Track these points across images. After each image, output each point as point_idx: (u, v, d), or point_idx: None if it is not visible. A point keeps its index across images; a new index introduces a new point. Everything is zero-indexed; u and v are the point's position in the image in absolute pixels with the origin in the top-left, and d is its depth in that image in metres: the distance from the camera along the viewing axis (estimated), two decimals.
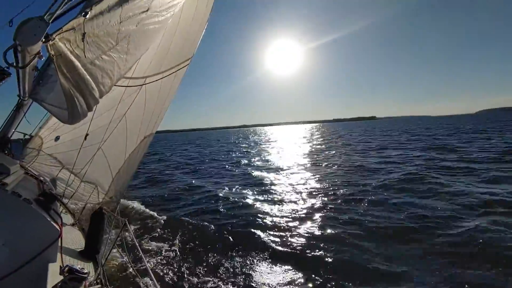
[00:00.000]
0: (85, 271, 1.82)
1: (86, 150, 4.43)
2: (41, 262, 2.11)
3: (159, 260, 5.39)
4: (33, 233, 2.16)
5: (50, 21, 1.31)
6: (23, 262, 2.07)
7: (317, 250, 5.95)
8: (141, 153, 4.75)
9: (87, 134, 4.12)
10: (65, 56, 1.73)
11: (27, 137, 4.96)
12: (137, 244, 3.37)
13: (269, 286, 4.70)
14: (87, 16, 1.78)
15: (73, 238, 3.22)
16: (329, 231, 6.89)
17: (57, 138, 5.16)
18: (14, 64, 1.34)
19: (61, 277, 1.82)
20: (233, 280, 4.84)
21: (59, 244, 2.26)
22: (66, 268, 1.82)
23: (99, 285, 2.25)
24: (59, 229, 2.30)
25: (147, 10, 2.62)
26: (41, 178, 3.73)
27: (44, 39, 1.30)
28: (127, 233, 4.76)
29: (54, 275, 1.97)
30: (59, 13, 1.39)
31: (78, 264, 2.11)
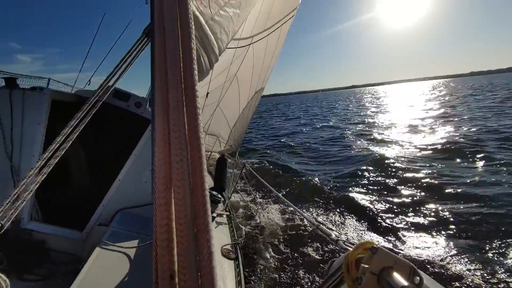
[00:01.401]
0: (219, 196, 2.25)
1: (208, 108, 5.14)
2: None
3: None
4: None
5: None
6: None
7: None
8: (253, 107, 5.19)
9: (207, 93, 4.74)
10: (193, 13, 1.97)
11: None
12: (261, 179, 3.86)
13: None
14: None
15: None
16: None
17: None
18: None
19: None
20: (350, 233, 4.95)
21: None
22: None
23: (227, 212, 2.74)
24: None
25: None
26: None
27: None
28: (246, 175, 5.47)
29: None
30: None
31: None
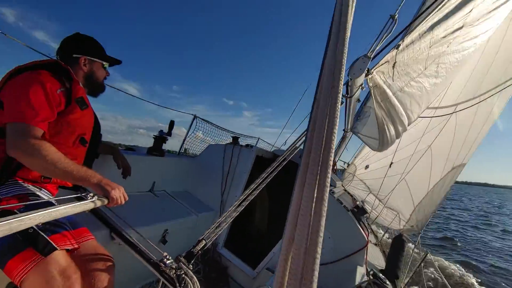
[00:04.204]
0: (388, 283, 1.93)
1: (390, 179, 4.75)
2: (352, 261, 2.52)
3: None
4: (348, 236, 2.65)
5: (371, 58, 1.64)
6: (341, 256, 2.60)
7: None
8: (447, 185, 4.27)
9: (391, 163, 4.43)
10: (379, 87, 2.05)
11: (346, 164, 6.28)
12: (443, 278, 3.01)
13: None
14: (399, 48, 2.00)
15: (375, 256, 3.51)
16: None
17: (367, 167, 6.04)
18: (346, 94, 1.82)
19: (366, 278, 2.07)
20: None
21: (366, 252, 2.58)
22: (372, 272, 2.04)
23: None
24: (366, 239, 2.63)
25: (461, 28, 2.46)
26: (355, 197, 4.51)
27: (366, 73, 1.66)
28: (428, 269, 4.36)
29: (360, 275, 2.28)
30: (378, 50, 1.71)
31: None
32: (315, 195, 0.36)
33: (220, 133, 5.01)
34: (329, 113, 0.41)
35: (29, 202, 1.16)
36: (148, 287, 2.48)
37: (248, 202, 1.73)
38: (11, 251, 1.03)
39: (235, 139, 3.80)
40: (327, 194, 0.36)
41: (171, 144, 3.48)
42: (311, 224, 0.34)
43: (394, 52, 1.99)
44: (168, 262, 1.37)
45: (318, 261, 0.33)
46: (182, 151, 4.07)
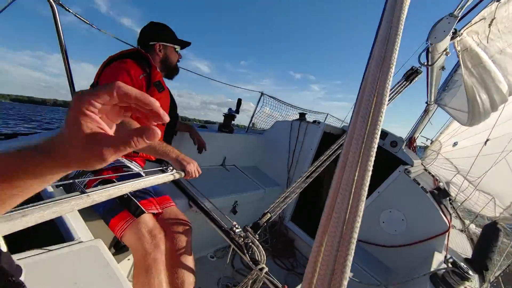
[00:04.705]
0: (471, 273, 1.73)
1: (485, 158, 4.06)
2: (429, 246, 2.33)
3: None
4: (425, 219, 2.43)
5: (459, 17, 1.38)
6: (415, 240, 2.43)
7: None
8: None
9: (487, 140, 3.77)
10: (471, 50, 1.74)
11: (428, 141, 5.58)
12: None
13: None
14: (501, 1, 1.65)
15: (460, 243, 3.15)
16: None
17: (455, 144, 5.27)
18: (425, 63, 1.60)
19: (443, 266, 1.89)
20: None
21: (446, 238, 2.34)
22: (451, 260, 1.84)
23: None
24: (448, 225, 2.38)
25: None
26: (437, 177, 4.03)
27: (451, 35, 1.41)
28: None
29: (437, 261, 2.09)
30: (469, 6, 1.43)
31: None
32: (356, 175, 0.35)
33: (287, 108, 5.03)
34: (379, 85, 0.38)
35: (123, 174, 1.40)
36: (221, 251, 2.76)
37: (312, 179, 1.73)
38: (112, 212, 1.29)
39: (302, 115, 3.76)
40: (369, 174, 0.35)
41: (240, 119, 3.64)
42: (350, 205, 0.34)
43: (493, 5, 1.65)
44: (237, 230, 1.50)
45: (355, 236, 0.33)
46: (250, 126, 4.24)
